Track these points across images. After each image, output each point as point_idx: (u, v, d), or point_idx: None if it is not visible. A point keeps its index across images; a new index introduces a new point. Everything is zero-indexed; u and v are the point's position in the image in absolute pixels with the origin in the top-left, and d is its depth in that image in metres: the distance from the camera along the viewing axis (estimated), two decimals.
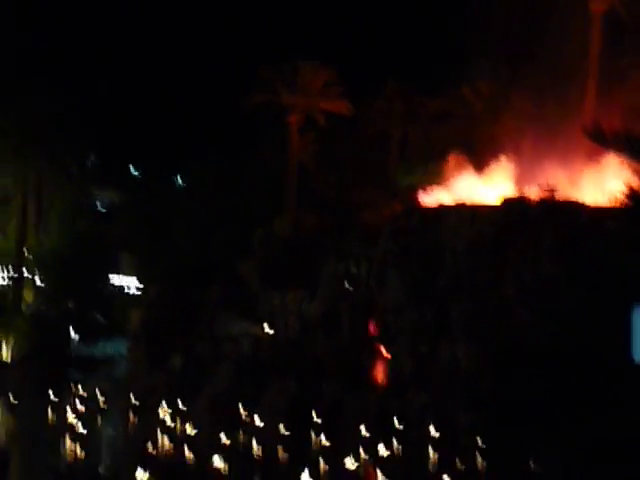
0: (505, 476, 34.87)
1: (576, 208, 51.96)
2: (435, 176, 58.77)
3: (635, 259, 40.55)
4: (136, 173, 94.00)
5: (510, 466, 34.38)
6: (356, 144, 68.76)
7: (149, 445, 38.34)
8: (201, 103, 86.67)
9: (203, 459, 33.88)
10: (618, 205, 40.69)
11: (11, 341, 70.67)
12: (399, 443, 41.21)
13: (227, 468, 31.87)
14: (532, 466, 33.79)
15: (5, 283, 78.99)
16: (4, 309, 74.57)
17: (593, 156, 53.83)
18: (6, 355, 70.34)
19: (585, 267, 46.50)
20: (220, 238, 63.25)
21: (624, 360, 36.69)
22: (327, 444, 39.66)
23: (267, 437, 40.69)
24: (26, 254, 76.90)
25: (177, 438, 41.96)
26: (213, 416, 46.62)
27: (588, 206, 51.66)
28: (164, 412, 47.50)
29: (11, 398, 54.08)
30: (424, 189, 58.23)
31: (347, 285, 54.26)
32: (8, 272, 78.58)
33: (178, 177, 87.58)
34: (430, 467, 36.84)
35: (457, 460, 34.72)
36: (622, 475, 30.86)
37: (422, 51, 71.01)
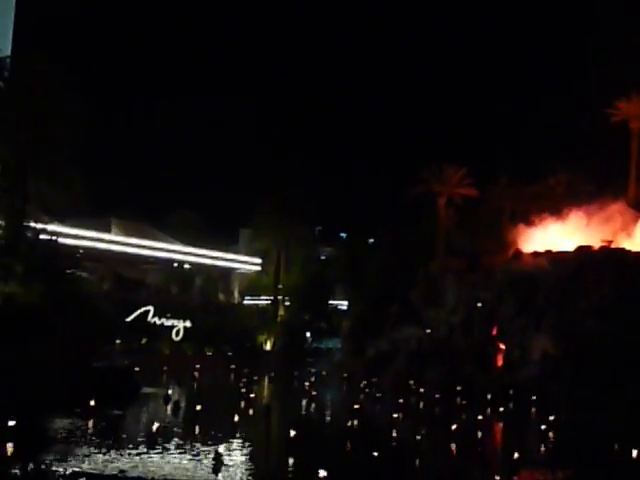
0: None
1: (625, 253, 49.99)
2: (531, 233, 57.46)
3: None
4: (344, 237, 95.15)
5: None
6: (481, 215, 67.56)
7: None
8: (379, 194, 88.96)
9: (386, 412, 33.80)
10: None
11: (271, 339, 72.51)
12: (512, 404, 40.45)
13: (402, 417, 31.71)
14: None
15: (267, 304, 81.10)
16: (267, 320, 76.52)
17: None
18: (269, 347, 72.25)
19: (633, 293, 44.47)
20: (397, 275, 63.20)
21: None
22: (465, 403, 39.19)
23: (428, 400, 40.41)
24: (280, 287, 78.82)
25: (371, 399, 42.09)
26: (394, 386, 46.69)
27: (634, 252, 49.66)
28: (362, 383, 47.82)
29: (272, 373, 55.58)
30: (524, 241, 56.96)
31: (478, 303, 53.53)
32: (269, 297, 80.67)
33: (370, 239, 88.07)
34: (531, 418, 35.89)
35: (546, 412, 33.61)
36: None
37: (522, 156, 69.20)
